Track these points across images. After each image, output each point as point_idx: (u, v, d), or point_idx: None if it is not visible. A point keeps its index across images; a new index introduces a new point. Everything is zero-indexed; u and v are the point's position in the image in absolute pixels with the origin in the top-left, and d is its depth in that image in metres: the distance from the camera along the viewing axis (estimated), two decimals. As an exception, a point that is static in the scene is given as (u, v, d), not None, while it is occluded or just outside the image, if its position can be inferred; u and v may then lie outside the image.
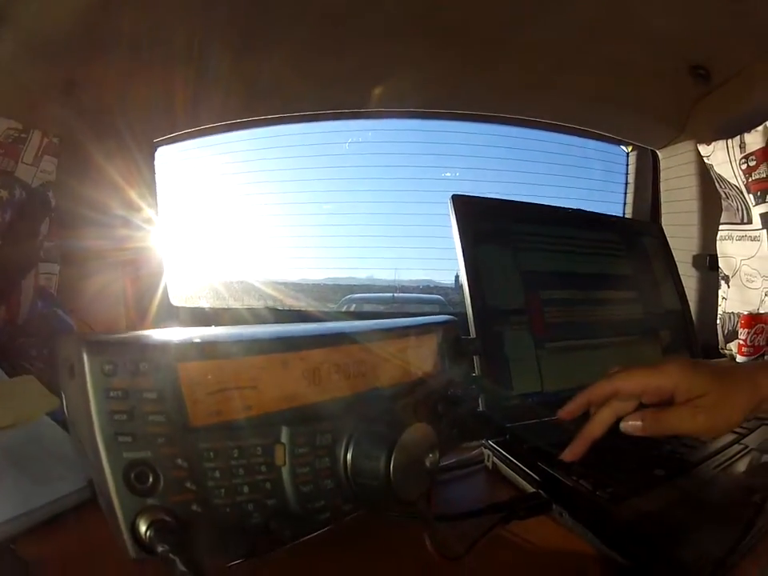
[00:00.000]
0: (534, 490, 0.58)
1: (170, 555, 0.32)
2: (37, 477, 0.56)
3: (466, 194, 0.79)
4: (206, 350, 0.38)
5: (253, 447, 0.39)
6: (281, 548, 0.41)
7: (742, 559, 0.45)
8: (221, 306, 1.62)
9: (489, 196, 0.85)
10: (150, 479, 0.35)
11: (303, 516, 0.41)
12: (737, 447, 0.68)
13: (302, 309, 1.82)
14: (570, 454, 0.61)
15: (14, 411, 0.70)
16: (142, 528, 0.34)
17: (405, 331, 0.54)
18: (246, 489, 0.38)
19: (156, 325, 1.36)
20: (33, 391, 0.78)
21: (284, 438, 0.40)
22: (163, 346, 0.37)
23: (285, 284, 1.99)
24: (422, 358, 0.55)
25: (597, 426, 0.60)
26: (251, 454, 0.39)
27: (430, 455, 0.44)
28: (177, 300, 1.51)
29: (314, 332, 0.45)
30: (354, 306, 2.15)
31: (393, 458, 0.41)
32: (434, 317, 0.61)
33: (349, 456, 0.42)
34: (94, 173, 1.28)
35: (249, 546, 0.39)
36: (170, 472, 0.36)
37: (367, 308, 2.16)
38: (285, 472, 0.40)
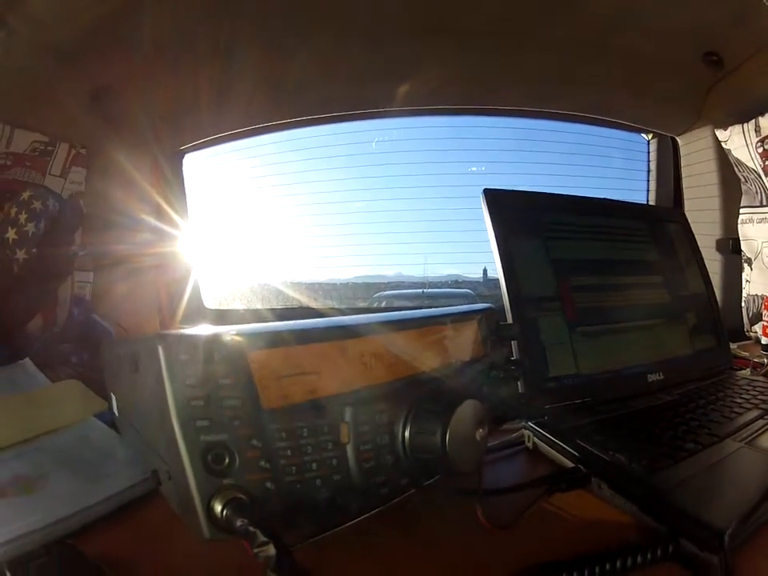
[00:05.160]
0: (574, 465, 0.61)
1: (250, 528, 0.34)
2: (88, 475, 0.58)
3: (497, 187, 0.82)
4: (274, 338, 0.41)
5: (320, 426, 0.42)
6: (345, 525, 0.44)
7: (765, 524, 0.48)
8: (253, 308, 1.64)
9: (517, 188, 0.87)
10: (227, 460, 0.37)
11: (366, 490, 0.44)
12: (761, 422, 0.70)
13: (336, 308, 1.84)
14: None
15: (60, 414, 0.72)
16: (218, 507, 0.36)
17: (450, 318, 0.56)
18: (314, 465, 0.41)
19: (190, 327, 1.39)
20: (78, 394, 0.81)
21: (348, 417, 0.43)
22: (235, 336, 0.40)
23: (315, 284, 2.01)
24: (466, 342, 0.58)
25: None
26: (319, 433, 0.41)
27: (480, 429, 0.47)
28: (210, 302, 1.54)
29: (368, 320, 0.48)
30: (384, 302, 2.14)
31: (448, 432, 0.43)
32: (475, 305, 0.63)
33: (407, 433, 0.45)
34: (123, 181, 1.30)
35: (317, 523, 0.42)
36: (246, 452, 0.38)
37: (398, 304, 2.15)
38: (349, 449, 0.43)
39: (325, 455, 0.42)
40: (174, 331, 0.41)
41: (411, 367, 0.49)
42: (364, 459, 0.43)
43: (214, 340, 0.39)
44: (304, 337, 0.43)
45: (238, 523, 0.35)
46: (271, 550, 0.33)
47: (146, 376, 0.41)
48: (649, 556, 0.44)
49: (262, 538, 0.33)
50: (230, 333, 0.40)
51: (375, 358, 0.47)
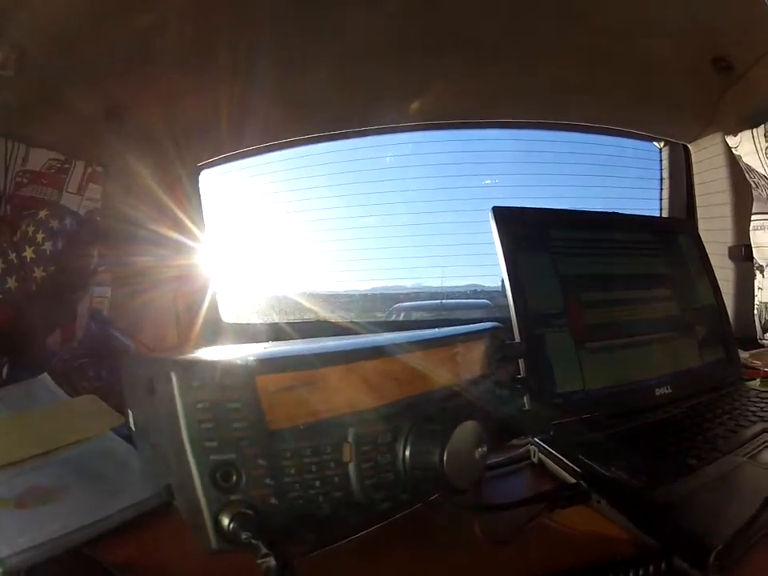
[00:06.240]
0: (576, 481, 0.61)
1: (253, 540, 0.37)
2: (106, 487, 0.60)
3: (506, 205, 0.83)
4: (281, 363, 0.43)
5: (323, 446, 0.43)
6: (348, 538, 0.46)
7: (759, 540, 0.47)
8: (271, 321, 1.67)
9: (526, 204, 0.88)
10: (234, 477, 0.40)
11: (367, 506, 0.45)
12: (766, 436, 0.70)
13: (353, 320, 1.84)
14: None
15: (78, 428, 0.74)
16: (225, 521, 0.38)
17: (454, 339, 0.58)
18: (317, 483, 0.43)
19: (207, 341, 1.41)
20: (95, 409, 0.82)
21: (350, 438, 0.44)
22: (243, 362, 0.42)
23: (332, 295, 2.02)
24: (471, 362, 0.59)
25: None
26: (322, 453, 0.43)
27: (479, 449, 0.48)
28: (227, 316, 1.56)
29: (371, 344, 0.50)
30: (402, 314, 2.15)
31: (446, 452, 0.45)
32: (481, 324, 0.65)
33: (407, 452, 0.47)
34: (141, 196, 1.32)
35: (319, 536, 0.43)
36: (252, 470, 0.40)
37: (416, 316, 2.15)
38: (351, 467, 0.44)
39: (327, 473, 0.43)
40: (186, 356, 0.44)
41: (416, 387, 0.51)
42: (366, 477, 0.45)
43: (224, 366, 0.41)
44: (310, 361, 0.45)
45: (243, 536, 0.37)
46: (272, 561, 0.36)
47: (161, 398, 0.43)
48: (641, 573, 0.44)
49: (264, 550, 0.36)
50: (239, 358, 0.42)
51: (380, 378, 0.48)
